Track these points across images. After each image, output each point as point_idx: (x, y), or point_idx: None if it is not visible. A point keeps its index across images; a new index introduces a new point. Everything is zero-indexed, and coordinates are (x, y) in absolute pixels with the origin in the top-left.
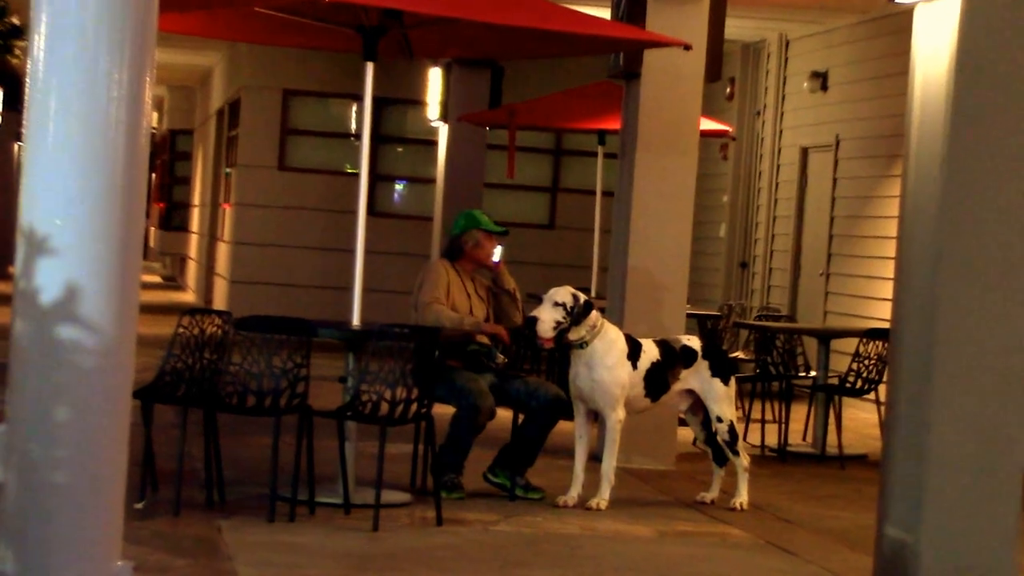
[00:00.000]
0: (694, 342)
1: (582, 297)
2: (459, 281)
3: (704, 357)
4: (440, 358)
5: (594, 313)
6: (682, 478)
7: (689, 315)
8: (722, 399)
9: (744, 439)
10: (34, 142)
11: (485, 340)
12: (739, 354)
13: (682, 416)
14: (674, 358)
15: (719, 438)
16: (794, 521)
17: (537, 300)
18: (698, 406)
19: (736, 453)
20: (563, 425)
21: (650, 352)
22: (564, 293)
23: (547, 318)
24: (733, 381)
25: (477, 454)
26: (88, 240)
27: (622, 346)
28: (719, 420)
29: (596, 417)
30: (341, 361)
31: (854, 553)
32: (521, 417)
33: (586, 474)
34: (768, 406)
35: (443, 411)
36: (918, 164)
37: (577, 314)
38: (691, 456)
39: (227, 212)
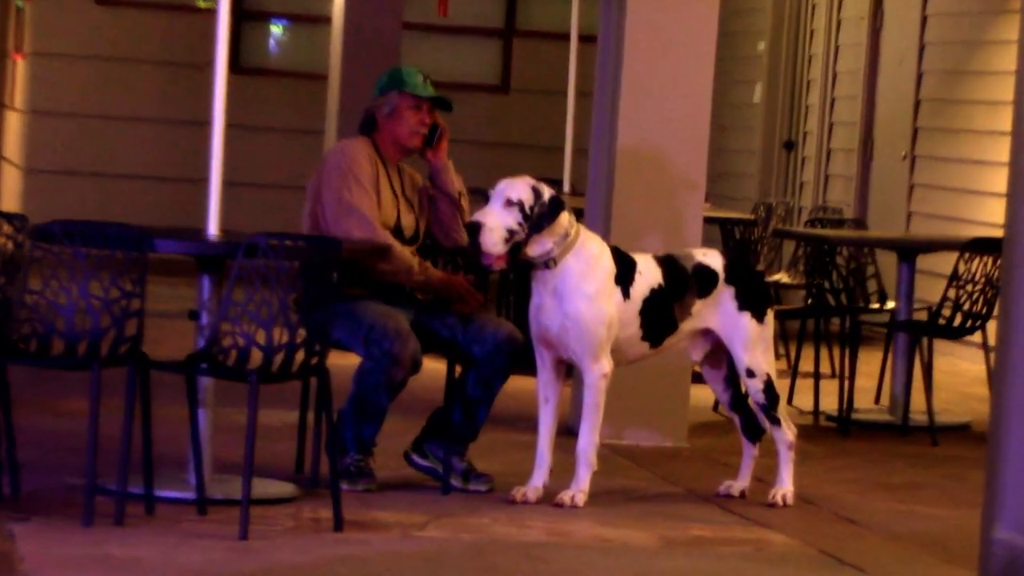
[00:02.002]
0: (714, 259)
1: (547, 192)
2: (384, 174)
3: (729, 281)
4: (339, 284)
5: (565, 216)
6: (697, 460)
7: (708, 219)
8: (755, 343)
9: (789, 402)
10: None
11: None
12: (781, 277)
13: (697, 369)
14: (684, 283)
15: (751, 401)
16: (861, 522)
17: (484, 198)
18: (720, 354)
19: (776, 422)
20: (521, 382)
21: (649, 274)
22: (521, 187)
23: (495, 224)
24: (772, 317)
25: (395, 425)
26: None
27: (608, 265)
28: (751, 375)
29: (569, 371)
30: (191, 289)
31: (949, 566)
32: (459, 369)
33: (555, 454)
34: (825, 353)
35: (344, 361)
36: None
37: (540, 217)
38: (710, 427)
39: (19, 66)
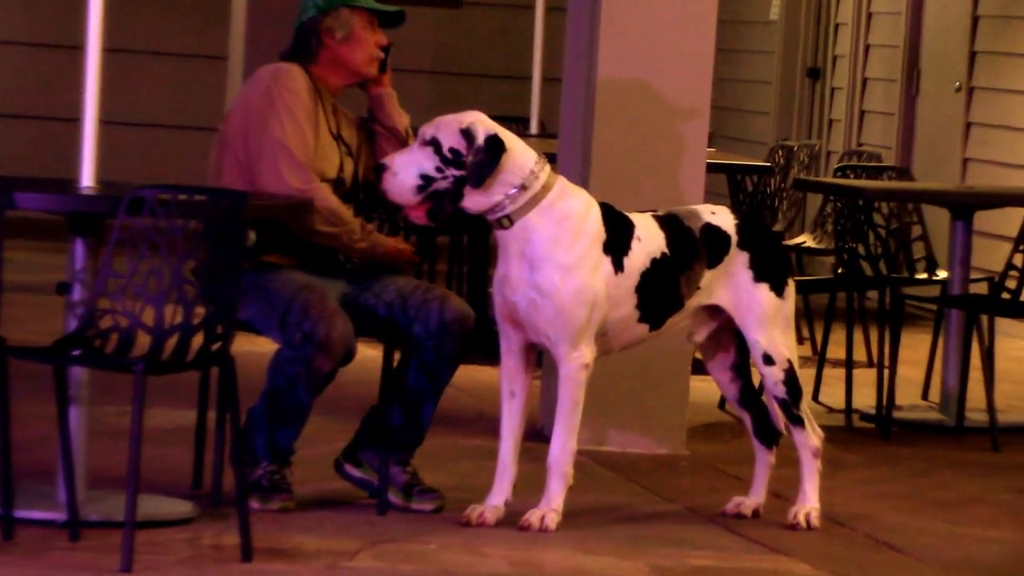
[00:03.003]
0: (724, 218)
1: (482, 130)
2: (322, 112)
3: (742, 246)
4: (256, 249)
5: (522, 162)
6: (699, 470)
7: (712, 166)
8: (773, 322)
9: (814, 398)
10: None
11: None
12: (804, 239)
13: (698, 355)
14: (692, 249)
15: (768, 396)
16: (905, 548)
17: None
18: (727, 336)
19: (799, 423)
20: (479, 372)
21: (649, 239)
22: (443, 126)
23: (400, 166)
24: (793, 289)
25: (320, 428)
26: None
27: (593, 228)
28: (768, 361)
29: (541, 358)
30: (61, 256)
31: None
32: (399, 357)
33: (521, 464)
34: (859, 336)
35: (256, 347)
36: None
37: (478, 165)
38: (716, 429)
39: None
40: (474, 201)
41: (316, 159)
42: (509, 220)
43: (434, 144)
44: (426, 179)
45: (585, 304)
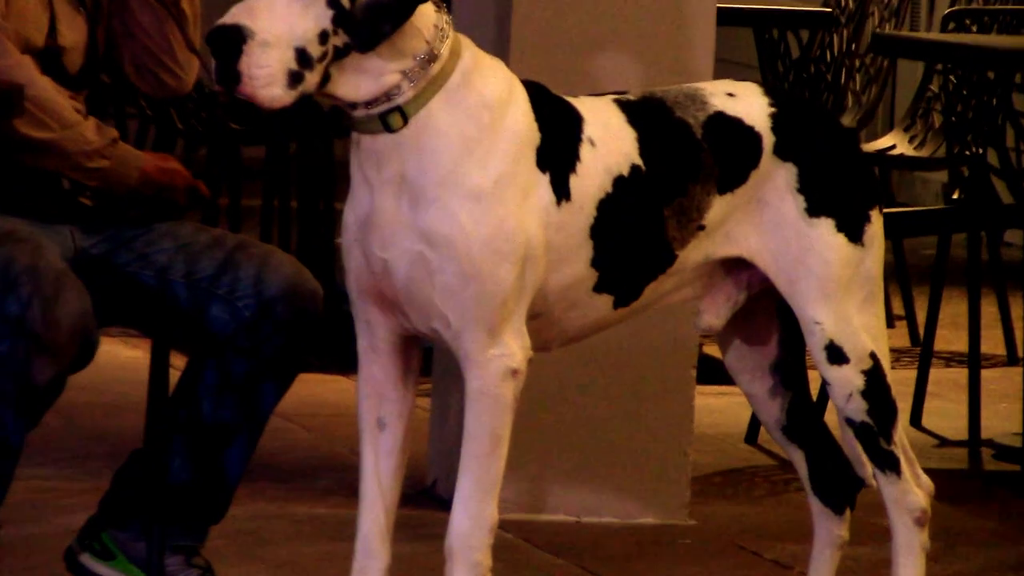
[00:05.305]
0: (748, 103)
1: None
2: None
3: (784, 153)
4: None
5: (429, 13)
6: (713, 551)
7: (729, 16)
8: (843, 289)
9: (915, 423)
10: None
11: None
12: (894, 142)
13: (713, 351)
14: (687, 157)
15: (842, 416)
16: None
17: None
18: (765, 318)
19: (890, 464)
20: (321, 388)
21: (608, 142)
22: None
23: (275, 33)
24: (879, 231)
25: (44, 487)
26: None
27: (519, 125)
28: (835, 357)
29: (429, 361)
30: None
31: None
32: (184, 363)
33: (398, 546)
34: (992, 313)
35: None
36: None
37: (372, 12)
38: (742, 479)
39: None
40: (353, 84)
41: (10, 16)
42: (402, 116)
43: None
44: (304, 58)
45: (512, 258)
